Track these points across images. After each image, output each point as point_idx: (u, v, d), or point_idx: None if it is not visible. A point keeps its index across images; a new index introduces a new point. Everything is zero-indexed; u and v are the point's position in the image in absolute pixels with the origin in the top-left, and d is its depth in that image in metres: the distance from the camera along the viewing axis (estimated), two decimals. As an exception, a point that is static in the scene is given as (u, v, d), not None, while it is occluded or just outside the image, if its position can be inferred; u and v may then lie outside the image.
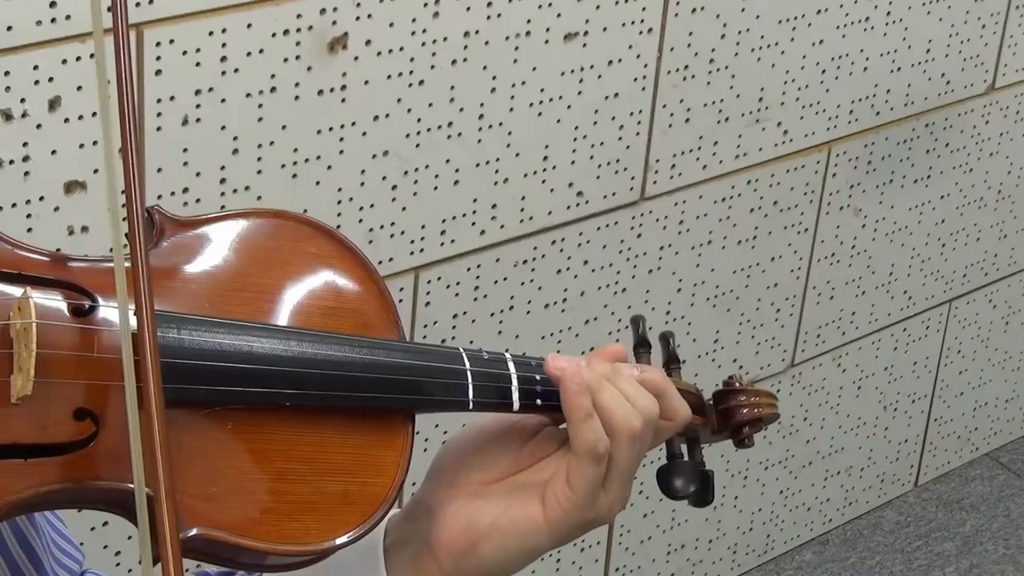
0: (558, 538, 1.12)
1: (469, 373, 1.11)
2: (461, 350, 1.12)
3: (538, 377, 1.14)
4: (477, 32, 2.18)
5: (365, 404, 1.08)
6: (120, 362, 0.96)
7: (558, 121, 2.33)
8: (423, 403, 1.11)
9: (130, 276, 0.91)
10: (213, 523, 0.99)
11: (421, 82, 2.15)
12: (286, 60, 2.01)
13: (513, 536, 1.11)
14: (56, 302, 0.99)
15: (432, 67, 2.15)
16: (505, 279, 2.38)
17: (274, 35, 1.99)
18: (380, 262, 2.21)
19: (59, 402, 0.96)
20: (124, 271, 0.90)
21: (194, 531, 0.98)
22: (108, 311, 1.00)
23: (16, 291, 0.98)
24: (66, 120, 1.86)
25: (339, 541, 1.04)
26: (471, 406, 1.12)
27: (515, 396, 1.13)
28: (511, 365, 1.13)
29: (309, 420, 1.06)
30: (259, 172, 2.04)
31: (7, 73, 1.80)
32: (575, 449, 1.10)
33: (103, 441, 0.97)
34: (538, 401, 1.14)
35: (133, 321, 0.91)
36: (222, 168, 2.01)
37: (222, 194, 2.02)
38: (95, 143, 1.89)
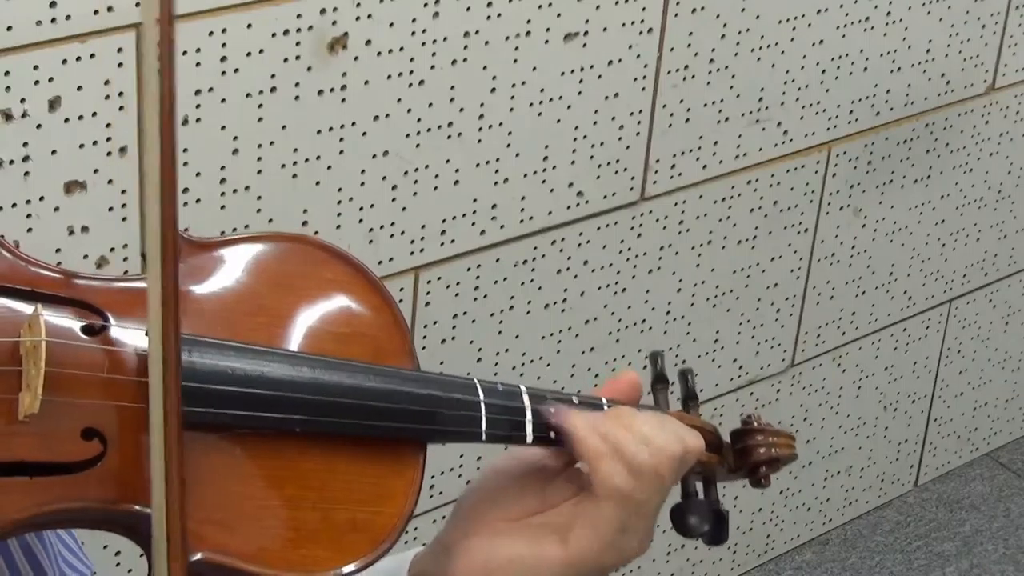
0: None
1: (483, 405, 1.10)
2: (475, 381, 1.11)
3: (552, 410, 1.13)
4: (477, 32, 2.18)
5: (377, 433, 1.07)
6: (131, 383, 0.95)
7: (558, 121, 2.33)
8: (435, 433, 1.10)
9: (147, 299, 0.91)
10: (219, 548, 0.98)
11: (421, 82, 2.15)
12: (286, 60, 2.01)
13: (529, 574, 1.11)
14: (67, 320, 0.98)
15: (432, 67, 2.15)
16: (505, 279, 2.38)
17: (274, 35, 1.99)
18: (380, 262, 2.21)
19: (67, 421, 0.96)
20: (158, 296, 0.90)
21: (199, 556, 0.97)
22: (120, 331, 0.99)
23: (28, 308, 0.97)
24: (66, 120, 1.86)
25: (346, 570, 1.03)
26: (483, 437, 1.11)
27: (528, 429, 1.12)
28: (526, 398, 1.12)
29: (320, 447, 1.05)
30: (259, 172, 2.04)
31: (7, 73, 1.80)
32: (597, 490, 1.09)
33: (110, 462, 0.96)
34: (551, 434, 1.13)
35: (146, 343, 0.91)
36: (222, 168, 2.01)
37: (222, 194, 2.02)
38: (95, 143, 1.89)
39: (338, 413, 1.05)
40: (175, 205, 0.94)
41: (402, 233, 2.23)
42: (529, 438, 1.12)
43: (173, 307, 0.92)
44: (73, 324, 0.98)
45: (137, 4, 1.86)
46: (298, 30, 2.00)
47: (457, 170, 2.24)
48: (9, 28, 1.78)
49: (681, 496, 1.20)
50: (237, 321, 1.06)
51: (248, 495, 1.02)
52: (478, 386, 1.11)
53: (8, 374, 0.95)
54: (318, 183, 2.11)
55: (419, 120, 2.17)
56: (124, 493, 0.96)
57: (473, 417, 1.10)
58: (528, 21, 2.23)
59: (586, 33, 2.30)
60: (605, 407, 1.16)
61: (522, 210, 2.35)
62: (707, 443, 1.18)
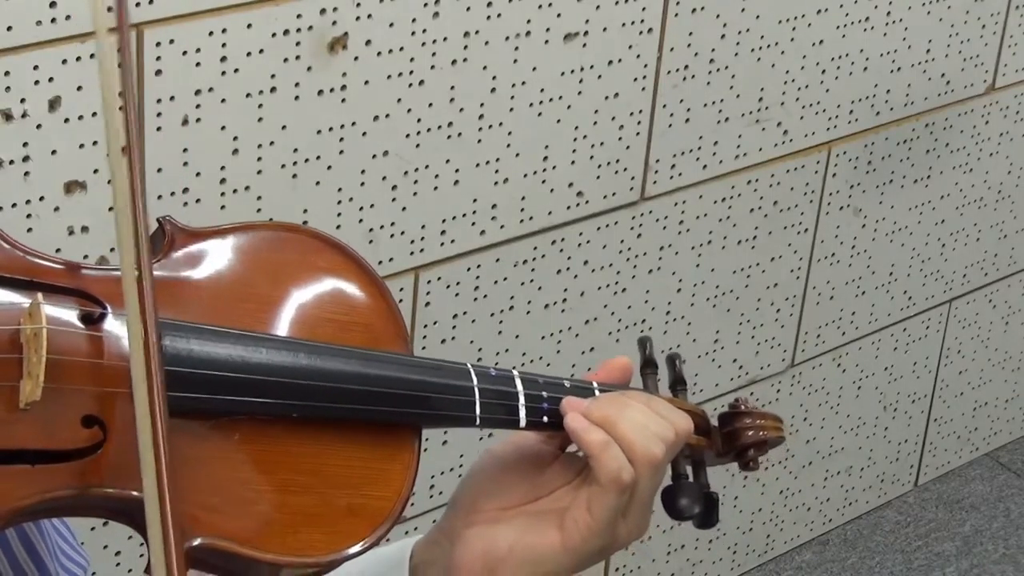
0: (575, 564, 1.13)
1: (476, 390, 1.11)
2: (469, 366, 1.12)
3: (545, 395, 1.14)
4: (477, 32, 2.18)
5: (372, 418, 1.08)
6: (129, 370, 0.96)
7: (558, 121, 2.33)
8: (430, 418, 1.11)
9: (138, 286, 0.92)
10: (218, 533, 0.99)
11: (421, 82, 2.15)
12: (286, 60, 2.01)
13: (529, 561, 1.12)
14: (67, 309, 0.99)
15: (432, 67, 2.15)
16: (505, 279, 2.38)
17: (274, 35, 1.99)
18: (380, 262, 2.21)
19: (67, 409, 0.96)
20: (134, 281, 0.90)
21: (198, 541, 0.98)
22: (117, 319, 1.00)
23: (28, 298, 0.98)
24: (66, 120, 1.86)
25: (344, 554, 1.04)
26: (477, 422, 1.12)
27: (522, 413, 1.13)
28: (519, 383, 1.13)
29: (316, 432, 1.06)
30: (259, 172, 2.04)
31: (7, 73, 1.80)
32: (599, 479, 1.11)
33: (110, 449, 0.97)
34: (544, 419, 1.14)
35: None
36: (222, 168, 2.01)
37: (222, 194, 2.02)
38: (95, 143, 1.89)
39: (333, 398, 1.06)
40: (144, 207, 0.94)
41: (402, 233, 2.23)
42: (522, 422, 1.13)
43: (150, 294, 0.92)
44: (72, 313, 0.99)
45: (137, 4, 1.86)
46: (298, 30, 2.00)
47: (457, 170, 2.24)
48: (9, 28, 1.78)
49: (671, 479, 1.21)
50: (232, 308, 1.07)
51: (245, 480, 1.02)
52: (471, 371, 1.12)
53: (9, 362, 0.96)
54: (318, 183, 2.11)
55: (419, 120, 2.17)
56: (124, 480, 0.97)
57: (467, 402, 1.11)
58: (528, 21, 2.23)
59: (586, 33, 2.30)
60: (596, 392, 1.17)
61: (522, 210, 2.35)
62: (696, 426, 1.19)
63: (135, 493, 0.96)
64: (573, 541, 1.11)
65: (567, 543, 1.11)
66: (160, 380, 0.91)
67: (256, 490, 1.03)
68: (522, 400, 1.13)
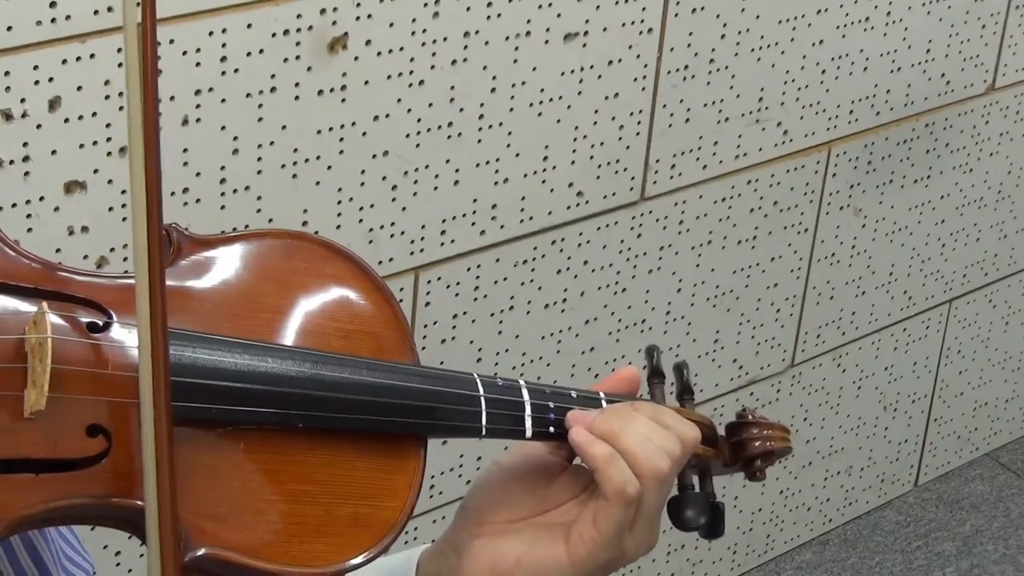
0: None
1: (483, 400, 1.11)
2: (475, 376, 1.12)
3: (551, 405, 1.14)
4: (477, 32, 2.18)
5: (378, 428, 1.08)
6: (133, 380, 0.95)
7: (558, 121, 2.33)
8: (436, 428, 1.11)
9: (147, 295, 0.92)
10: (222, 544, 0.99)
11: (421, 82, 2.15)
12: (286, 60, 2.01)
13: (535, 574, 1.11)
14: (72, 318, 0.98)
15: (432, 67, 2.15)
16: (505, 279, 2.38)
17: (274, 35, 1.99)
18: (380, 262, 2.21)
19: (72, 418, 0.96)
20: (147, 293, 0.90)
21: (202, 551, 0.98)
22: (122, 328, 0.99)
23: (32, 306, 0.98)
24: (66, 120, 1.86)
25: (349, 564, 1.04)
26: (483, 432, 1.12)
27: (528, 424, 1.13)
28: (525, 393, 1.13)
29: (321, 442, 1.06)
30: (259, 172, 2.04)
31: (7, 73, 1.80)
32: (605, 493, 1.10)
33: (115, 458, 0.97)
34: (551, 429, 1.14)
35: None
36: (222, 168, 2.01)
37: (222, 194, 2.02)
38: (95, 143, 1.89)
39: (339, 408, 1.06)
40: (159, 213, 0.94)
41: (402, 233, 2.23)
42: (528, 433, 1.13)
43: (161, 308, 0.92)
44: (77, 322, 0.98)
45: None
46: (298, 30, 2.00)
47: (457, 170, 2.24)
48: (9, 28, 1.78)
49: (677, 489, 1.21)
50: (239, 317, 1.06)
51: (251, 490, 1.02)
52: (478, 381, 1.11)
53: (13, 371, 0.95)
54: (318, 183, 2.11)
55: (419, 120, 2.17)
56: (128, 489, 0.97)
57: (473, 412, 1.11)
58: (528, 21, 2.23)
59: (586, 33, 2.30)
60: (603, 402, 1.16)
61: (522, 210, 2.35)
62: (703, 436, 1.18)
63: (139, 503, 0.96)
64: (579, 555, 1.11)
65: (573, 557, 1.11)
66: (166, 391, 0.91)
67: (261, 500, 1.02)
68: (528, 410, 1.13)
